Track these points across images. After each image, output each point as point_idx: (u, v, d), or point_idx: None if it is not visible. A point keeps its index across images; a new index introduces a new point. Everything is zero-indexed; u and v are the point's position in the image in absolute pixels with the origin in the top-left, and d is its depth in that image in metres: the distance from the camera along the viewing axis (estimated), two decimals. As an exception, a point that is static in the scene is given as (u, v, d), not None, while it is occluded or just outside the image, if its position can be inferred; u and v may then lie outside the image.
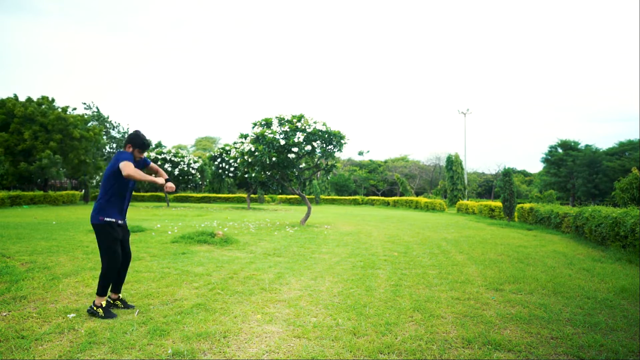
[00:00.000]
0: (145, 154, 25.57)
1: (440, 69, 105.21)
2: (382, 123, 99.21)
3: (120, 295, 3.77)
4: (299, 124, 11.99)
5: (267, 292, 4.37)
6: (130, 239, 3.99)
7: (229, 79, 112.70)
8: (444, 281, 5.05)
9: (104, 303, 3.50)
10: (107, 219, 3.54)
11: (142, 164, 3.88)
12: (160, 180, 3.67)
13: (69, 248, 6.90)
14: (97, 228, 3.55)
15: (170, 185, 3.71)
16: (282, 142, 11.61)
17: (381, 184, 57.57)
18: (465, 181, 37.08)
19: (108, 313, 3.45)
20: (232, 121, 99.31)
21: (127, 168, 3.38)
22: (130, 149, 3.69)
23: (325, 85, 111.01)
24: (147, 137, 3.79)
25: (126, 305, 3.72)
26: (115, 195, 3.60)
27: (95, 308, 3.46)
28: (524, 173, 62.34)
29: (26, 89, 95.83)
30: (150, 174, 3.93)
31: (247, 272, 5.40)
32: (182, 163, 25.79)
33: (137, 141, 3.68)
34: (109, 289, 3.65)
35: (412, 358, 2.76)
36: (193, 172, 27.34)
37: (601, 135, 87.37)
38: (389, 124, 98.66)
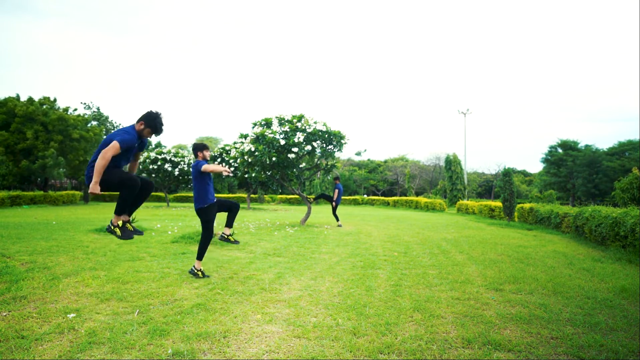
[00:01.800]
0: (146, 153, 25.71)
1: (440, 69, 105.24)
2: (382, 123, 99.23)
3: (130, 219, 3.96)
4: (299, 124, 11.99)
5: (267, 292, 4.37)
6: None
7: (229, 79, 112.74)
8: (444, 281, 5.05)
9: (120, 223, 3.69)
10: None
11: (141, 145, 3.86)
12: (95, 189, 3.44)
13: (69, 248, 6.90)
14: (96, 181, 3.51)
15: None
16: (282, 142, 11.60)
17: (381, 184, 57.58)
18: (465, 181, 37.08)
19: (125, 234, 3.67)
20: (232, 121, 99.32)
21: (109, 151, 3.40)
22: (142, 127, 3.65)
23: (326, 85, 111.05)
24: (163, 125, 3.75)
25: (137, 231, 3.94)
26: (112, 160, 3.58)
27: (112, 227, 3.66)
28: (524, 173, 62.35)
29: (27, 89, 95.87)
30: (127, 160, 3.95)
31: (247, 272, 5.40)
32: (182, 163, 25.72)
33: (153, 123, 3.66)
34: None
35: (412, 358, 2.76)
36: (193, 172, 27.22)
37: (601, 135, 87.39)
38: (389, 124, 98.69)
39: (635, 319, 3.63)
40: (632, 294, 4.52)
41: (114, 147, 3.43)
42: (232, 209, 5.41)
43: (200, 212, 5.13)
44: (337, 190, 12.92)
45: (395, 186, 57.91)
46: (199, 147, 5.25)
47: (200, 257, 5.08)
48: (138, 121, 3.70)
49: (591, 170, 38.08)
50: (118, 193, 3.70)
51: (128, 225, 3.89)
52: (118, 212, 3.71)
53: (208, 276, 5.08)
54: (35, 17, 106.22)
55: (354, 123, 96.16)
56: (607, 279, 5.33)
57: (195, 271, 5.03)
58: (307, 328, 3.25)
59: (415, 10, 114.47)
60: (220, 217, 11.07)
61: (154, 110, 3.71)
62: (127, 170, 3.77)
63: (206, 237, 5.11)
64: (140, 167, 25.09)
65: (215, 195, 37.69)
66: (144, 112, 3.73)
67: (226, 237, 5.44)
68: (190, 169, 27.66)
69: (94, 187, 3.41)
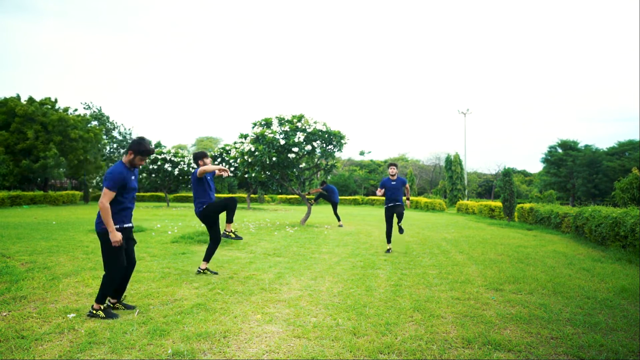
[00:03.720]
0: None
1: (440, 69, 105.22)
2: (382, 123, 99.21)
3: (119, 300, 3.75)
4: (299, 124, 11.99)
5: (267, 292, 4.37)
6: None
7: (229, 79, 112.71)
8: (444, 281, 5.05)
9: (102, 307, 3.49)
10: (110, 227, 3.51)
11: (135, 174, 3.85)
12: (115, 237, 3.46)
13: (69, 248, 6.91)
14: (101, 236, 3.53)
15: None
16: (282, 142, 11.61)
17: (381, 184, 57.45)
18: (465, 181, 37.11)
19: (109, 313, 3.46)
20: (232, 121, 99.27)
21: (103, 199, 3.43)
22: (132, 156, 3.67)
23: (325, 85, 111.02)
24: (151, 146, 3.71)
25: (127, 307, 3.72)
26: (116, 202, 3.55)
27: (94, 312, 3.46)
28: (524, 173, 62.33)
29: (27, 89, 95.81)
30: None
31: (247, 272, 5.41)
32: (182, 163, 25.74)
33: (138, 148, 3.65)
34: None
35: (412, 358, 2.76)
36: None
37: (601, 135, 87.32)
38: (389, 124, 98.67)
39: (635, 319, 3.63)
40: (632, 294, 4.52)
41: (106, 194, 3.44)
42: (228, 207, 5.25)
43: (200, 214, 5.20)
44: (325, 190, 12.88)
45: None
46: (198, 156, 5.34)
47: (207, 259, 5.22)
48: (126, 153, 3.72)
49: (591, 170, 38.08)
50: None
51: (118, 305, 3.72)
52: (100, 301, 3.51)
53: (216, 273, 5.20)
54: (35, 17, 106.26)
55: (354, 123, 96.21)
56: (607, 279, 5.33)
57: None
58: (307, 328, 3.25)
59: (415, 10, 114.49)
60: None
61: (135, 138, 3.73)
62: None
63: (214, 240, 5.25)
64: (140, 167, 25.10)
65: (215, 195, 38.06)
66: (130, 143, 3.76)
67: (227, 233, 5.31)
68: (191, 169, 27.65)
69: (114, 236, 3.43)
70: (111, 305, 3.69)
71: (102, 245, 3.54)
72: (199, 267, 5.23)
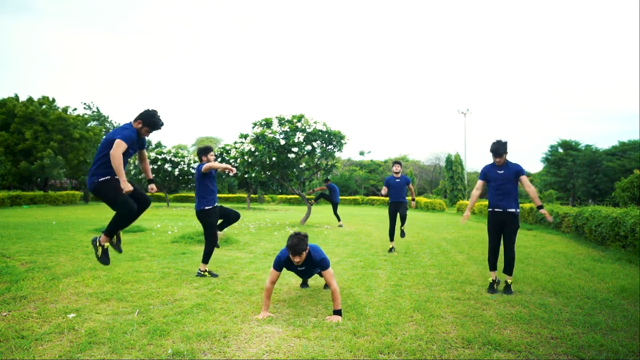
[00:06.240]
0: (146, 153, 25.67)
1: (440, 69, 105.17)
2: (382, 123, 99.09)
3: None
4: (299, 124, 12.00)
5: (267, 292, 4.37)
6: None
7: (229, 79, 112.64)
8: (444, 281, 5.05)
9: (107, 245, 3.69)
10: (102, 179, 3.57)
11: (141, 143, 3.87)
12: (126, 186, 3.49)
13: (69, 248, 6.90)
14: (97, 189, 3.58)
15: (152, 187, 3.89)
16: (282, 142, 11.61)
17: (381, 184, 57.55)
18: (466, 181, 37.10)
19: (104, 258, 3.70)
20: (232, 121, 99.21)
21: (117, 149, 3.42)
22: (139, 125, 3.67)
23: (326, 85, 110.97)
24: (161, 121, 3.78)
25: (118, 244, 3.91)
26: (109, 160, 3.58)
27: (98, 244, 3.68)
28: (524, 173, 62.29)
29: (26, 89, 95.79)
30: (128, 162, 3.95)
31: (247, 272, 5.40)
32: (182, 163, 25.72)
33: (150, 120, 3.69)
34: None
35: (412, 358, 2.76)
36: (193, 172, 27.30)
37: (601, 135, 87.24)
38: (389, 124, 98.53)
39: (635, 319, 3.63)
40: (632, 294, 4.52)
41: (120, 144, 3.44)
42: (229, 218, 5.38)
43: (199, 214, 5.13)
44: (328, 188, 12.90)
45: (395, 186, 57.64)
46: (202, 151, 5.29)
47: (205, 260, 5.09)
48: (135, 120, 3.71)
49: (591, 170, 38.06)
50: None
51: (114, 238, 3.86)
52: (108, 234, 3.66)
53: (216, 275, 5.11)
54: (35, 17, 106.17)
55: (354, 123, 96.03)
56: (607, 279, 5.33)
57: (202, 273, 5.04)
58: (307, 328, 3.25)
59: (415, 10, 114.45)
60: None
61: (150, 109, 3.74)
62: (140, 170, 3.81)
63: (209, 242, 5.11)
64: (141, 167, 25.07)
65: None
66: (140, 112, 3.76)
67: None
68: (191, 169, 27.50)
69: (126, 185, 3.47)
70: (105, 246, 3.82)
71: (102, 197, 3.62)
72: (199, 269, 5.13)
